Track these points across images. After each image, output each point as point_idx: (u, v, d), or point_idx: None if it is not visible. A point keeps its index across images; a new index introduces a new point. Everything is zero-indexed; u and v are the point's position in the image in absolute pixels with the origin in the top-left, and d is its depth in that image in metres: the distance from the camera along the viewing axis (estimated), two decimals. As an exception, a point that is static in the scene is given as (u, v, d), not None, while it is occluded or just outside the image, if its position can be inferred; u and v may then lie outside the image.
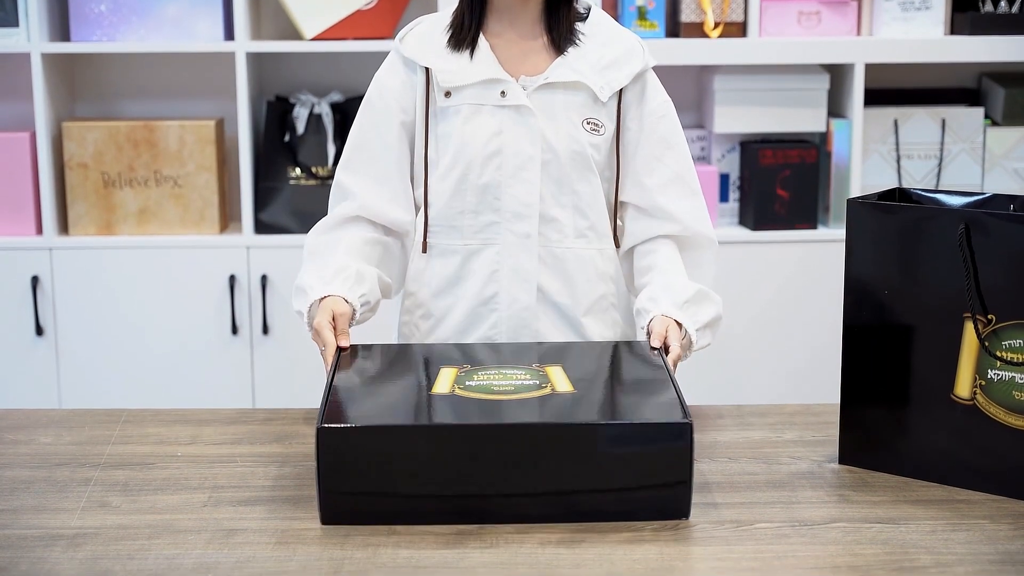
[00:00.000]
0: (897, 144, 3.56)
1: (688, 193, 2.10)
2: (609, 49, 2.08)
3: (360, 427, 1.63)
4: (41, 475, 1.84)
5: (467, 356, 1.92)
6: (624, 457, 1.64)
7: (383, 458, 1.62)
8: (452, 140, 2.06)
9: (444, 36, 2.08)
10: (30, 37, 3.34)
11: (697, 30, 3.45)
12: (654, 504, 1.65)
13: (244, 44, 3.36)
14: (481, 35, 2.07)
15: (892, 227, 1.80)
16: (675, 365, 1.92)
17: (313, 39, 3.39)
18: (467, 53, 2.06)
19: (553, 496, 1.64)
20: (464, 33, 2.06)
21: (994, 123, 3.62)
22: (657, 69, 2.14)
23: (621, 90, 2.07)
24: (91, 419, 2.07)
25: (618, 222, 2.13)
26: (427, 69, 2.06)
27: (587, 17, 2.09)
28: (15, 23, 3.35)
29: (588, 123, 2.06)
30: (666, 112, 2.10)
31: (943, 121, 3.56)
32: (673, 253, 2.10)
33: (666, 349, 1.94)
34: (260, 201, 3.46)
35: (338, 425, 1.62)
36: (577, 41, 2.07)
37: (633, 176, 2.10)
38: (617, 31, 2.11)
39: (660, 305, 2.00)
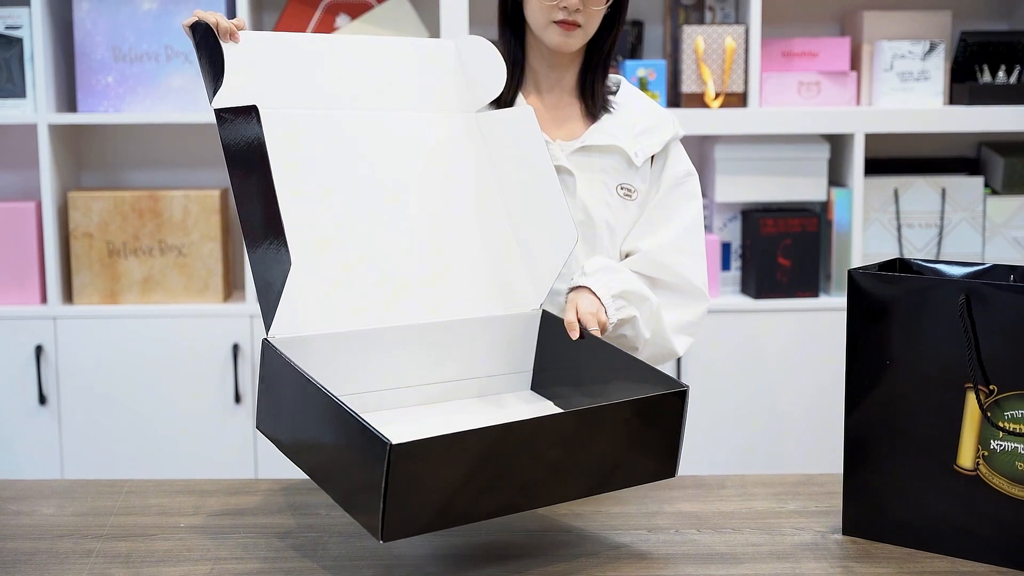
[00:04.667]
0: (898, 213, 3.58)
1: (684, 250, 2.12)
2: (642, 118, 2.15)
3: (429, 439, 1.59)
4: (43, 547, 1.83)
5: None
6: (627, 431, 1.73)
7: (442, 469, 1.62)
8: None
9: None
10: (37, 108, 3.37)
11: (698, 100, 3.48)
12: (648, 469, 1.77)
13: (249, 115, 3.39)
14: (521, 96, 2.12)
15: (893, 297, 1.80)
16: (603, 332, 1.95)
17: (317, 110, 3.42)
18: None
19: (566, 476, 1.71)
20: (503, 98, 2.10)
21: (994, 192, 3.64)
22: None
23: (652, 156, 2.12)
24: (93, 490, 2.07)
25: None
26: None
27: (616, 91, 2.15)
28: (22, 94, 3.38)
29: (622, 188, 2.11)
30: (684, 182, 2.15)
31: (943, 190, 3.58)
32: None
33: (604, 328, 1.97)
34: (264, 270, 3.47)
35: (410, 440, 1.58)
36: (610, 109, 2.14)
37: (636, 232, 2.13)
38: (647, 102, 2.19)
39: (572, 280, 2.02)
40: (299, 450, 1.75)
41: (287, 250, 1.82)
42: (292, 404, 1.75)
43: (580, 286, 2.01)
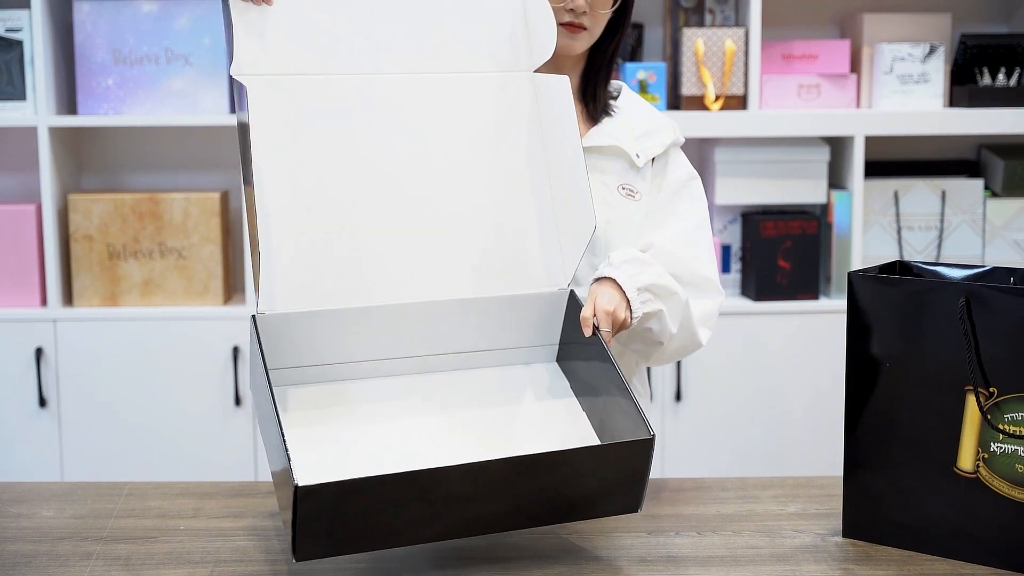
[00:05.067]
0: (898, 215, 3.58)
1: (690, 244, 2.10)
2: (643, 121, 2.15)
3: (338, 482, 1.58)
4: (43, 549, 1.83)
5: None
6: (587, 471, 1.70)
7: (361, 506, 1.61)
8: None
9: None
10: (37, 110, 3.37)
11: (698, 103, 3.48)
12: (611, 503, 1.74)
13: (249, 117, 3.39)
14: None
15: (893, 300, 1.81)
16: (611, 338, 1.89)
17: (317, 112, 3.42)
18: None
19: (515, 508, 1.69)
20: None
21: (994, 194, 3.64)
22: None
23: (653, 159, 2.12)
24: (93, 492, 2.07)
25: None
26: None
27: (618, 96, 2.15)
28: (23, 96, 3.39)
29: (623, 188, 2.09)
30: (688, 184, 2.14)
31: (943, 192, 3.58)
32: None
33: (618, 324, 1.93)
34: (264, 272, 3.47)
35: (316, 483, 1.57)
36: (611, 112, 2.14)
37: (644, 229, 2.12)
38: (648, 107, 2.19)
39: (597, 271, 1.98)
40: (259, 423, 1.77)
41: (286, 225, 1.82)
42: (259, 386, 1.76)
43: (605, 277, 1.96)
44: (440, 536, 1.70)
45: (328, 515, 1.59)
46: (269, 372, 1.72)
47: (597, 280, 1.96)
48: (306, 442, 1.77)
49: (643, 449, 1.69)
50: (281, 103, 1.87)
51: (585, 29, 2.06)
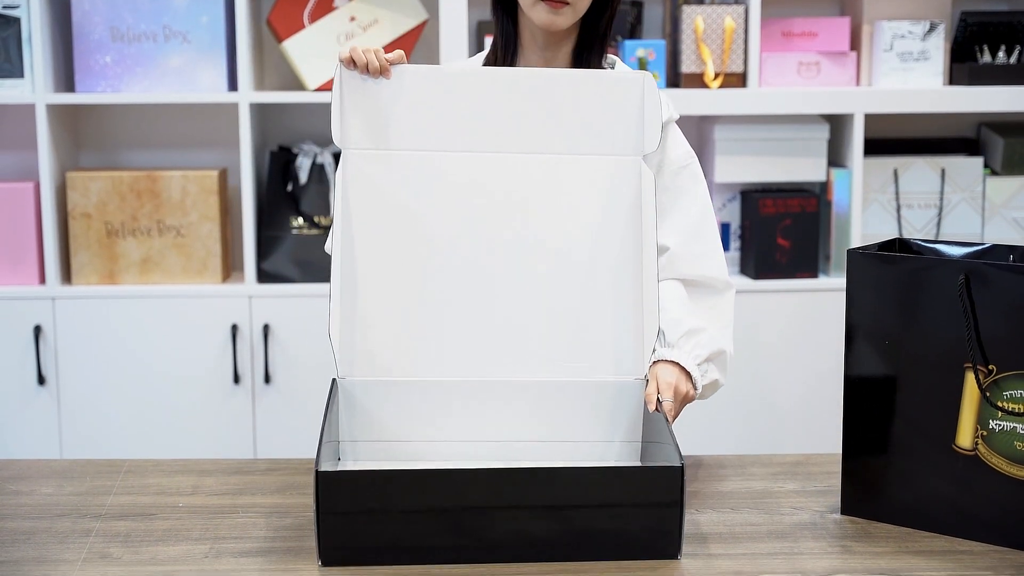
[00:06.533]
0: (897, 193, 3.58)
1: (699, 238, 2.10)
2: None
3: (359, 472, 1.64)
4: (42, 526, 1.84)
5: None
6: (618, 497, 1.66)
7: (381, 500, 1.63)
8: None
9: None
10: (35, 88, 3.36)
11: (697, 80, 3.47)
12: (644, 543, 1.68)
13: (247, 95, 3.39)
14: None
15: (892, 277, 1.80)
16: (674, 416, 1.91)
17: (316, 89, 3.41)
18: None
19: (546, 534, 1.67)
20: None
21: (993, 172, 3.64)
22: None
23: None
24: (92, 469, 2.07)
25: None
26: None
27: (611, 70, 2.13)
28: (20, 74, 3.37)
29: None
30: (687, 163, 2.13)
31: (943, 170, 3.58)
32: (677, 291, 2.08)
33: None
34: (262, 250, 3.47)
35: (336, 470, 1.63)
36: None
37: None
38: None
39: (656, 351, 1.99)
40: None
41: (372, 293, 1.90)
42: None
43: (665, 360, 1.98)
44: (461, 557, 1.67)
45: (348, 507, 1.62)
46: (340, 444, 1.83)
47: (656, 363, 1.97)
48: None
49: (669, 476, 1.66)
50: (382, 177, 1.93)
51: (567, 4, 2.04)
